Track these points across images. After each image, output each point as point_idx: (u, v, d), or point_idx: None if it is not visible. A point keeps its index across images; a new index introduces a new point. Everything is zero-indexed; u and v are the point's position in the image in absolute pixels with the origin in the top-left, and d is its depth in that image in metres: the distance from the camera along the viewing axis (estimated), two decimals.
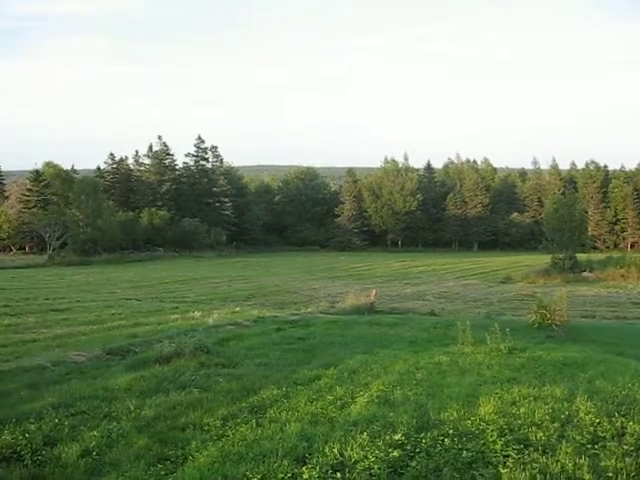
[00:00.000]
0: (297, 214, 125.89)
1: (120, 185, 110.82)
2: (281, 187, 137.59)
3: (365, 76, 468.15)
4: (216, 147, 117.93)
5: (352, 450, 6.76)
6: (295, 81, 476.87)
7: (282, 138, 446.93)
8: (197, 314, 25.67)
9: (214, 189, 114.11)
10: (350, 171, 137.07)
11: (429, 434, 7.24)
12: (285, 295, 44.32)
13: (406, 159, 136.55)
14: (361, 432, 7.35)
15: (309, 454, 6.85)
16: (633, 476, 5.87)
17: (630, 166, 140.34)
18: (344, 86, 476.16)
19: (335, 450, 6.79)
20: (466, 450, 6.71)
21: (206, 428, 8.38)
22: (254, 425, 8.24)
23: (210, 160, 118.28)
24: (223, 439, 7.79)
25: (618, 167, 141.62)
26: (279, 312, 28.21)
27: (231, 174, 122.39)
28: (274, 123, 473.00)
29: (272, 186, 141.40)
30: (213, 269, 70.32)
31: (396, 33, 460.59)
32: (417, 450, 6.79)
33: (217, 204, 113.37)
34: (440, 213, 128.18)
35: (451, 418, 7.92)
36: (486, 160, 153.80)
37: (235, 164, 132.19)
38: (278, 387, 10.55)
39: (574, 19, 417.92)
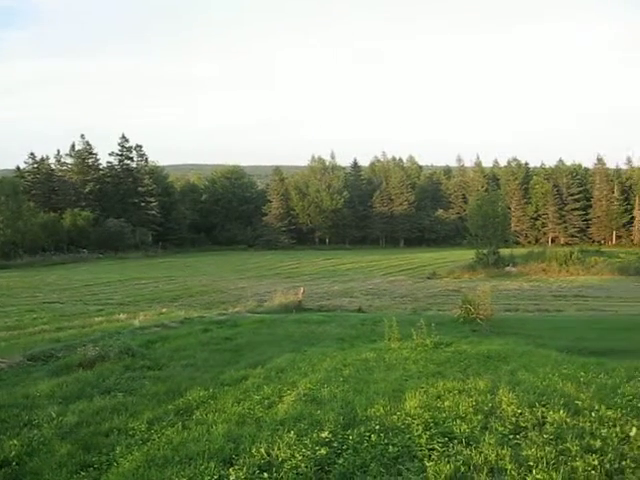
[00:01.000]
0: (224, 213, 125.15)
1: (41, 185, 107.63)
2: (207, 186, 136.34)
3: (291, 75, 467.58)
4: (141, 146, 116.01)
5: (279, 449, 6.73)
6: (221, 77, 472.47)
7: (208, 136, 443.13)
8: (122, 316, 25.29)
9: (139, 189, 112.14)
10: (277, 169, 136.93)
11: (356, 430, 7.27)
12: (213, 295, 44.04)
13: (333, 157, 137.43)
14: (288, 431, 7.32)
15: (236, 455, 6.79)
16: (553, 464, 6.01)
17: (550, 163, 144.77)
18: (270, 84, 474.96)
19: (262, 450, 6.75)
20: (392, 445, 6.76)
21: (131, 432, 8.18)
22: (180, 428, 8.10)
23: (135, 159, 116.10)
24: (148, 443, 7.63)
25: (538, 164, 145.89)
26: (206, 312, 27.99)
27: (156, 173, 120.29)
28: (200, 121, 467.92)
29: (198, 185, 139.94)
30: (139, 270, 69.18)
31: (324, 31, 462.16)
32: (344, 447, 6.80)
33: (142, 204, 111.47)
34: (367, 210, 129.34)
35: (378, 414, 7.97)
36: (411, 158, 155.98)
37: (160, 163, 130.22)
38: (205, 388, 10.42)
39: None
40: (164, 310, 28.90)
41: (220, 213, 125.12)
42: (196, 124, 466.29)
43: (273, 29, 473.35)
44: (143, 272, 65.86)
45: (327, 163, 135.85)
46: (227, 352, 15.62)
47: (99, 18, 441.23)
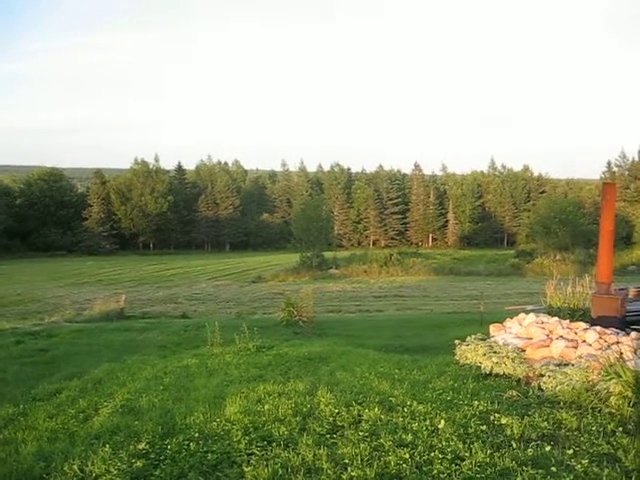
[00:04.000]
0: (41, 218, 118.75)
1: None
2: (23, 189, 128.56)
3: (109, 73, 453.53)
4: None
5: (93, 465, 6.45)
6: (32, 76, 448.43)
7: (23, 137, 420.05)
8: None
9: None
10: (98, 172, 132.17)
11: (175, 440, 7.13)
12: (28, 305, 41.96)
13: (157, 160, 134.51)
14: (104, 445, 7.05)
15: (47, 474, 6.44)
16: (367, 460, 6.20)
17: (370, 169, 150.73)
18: (90, 84, 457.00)
19: (75, 467, 6.45)
20: (211, 452, 6.69)
21: None
22: None
23: None
24: None
25: (360, 169, 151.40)
26: (20, 323, 26.55)
27: None
28: (13, 120, 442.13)
29: (12, 188, 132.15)
30: None
31: (153, 30, 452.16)
32: (162, 457, 6.65)
33: None
34: (192, 214, 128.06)
35: (197, 421, 7.87)
36: (237, 162, 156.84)
37: None
38: (15, 404, 9.80)
39: None
40: None
41: (37, 218, 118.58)
42: (8, 123, 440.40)
43: (96, 25, 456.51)
44: None
45: (151, 166, 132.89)
46: (41, 365, 14.87)
47: None
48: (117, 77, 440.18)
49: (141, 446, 6.95)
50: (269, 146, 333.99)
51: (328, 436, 7.05)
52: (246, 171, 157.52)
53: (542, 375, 9.12)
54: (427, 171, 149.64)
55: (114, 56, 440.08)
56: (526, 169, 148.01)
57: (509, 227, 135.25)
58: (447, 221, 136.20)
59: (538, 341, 10.48)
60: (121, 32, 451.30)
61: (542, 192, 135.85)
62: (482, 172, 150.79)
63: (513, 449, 6.36)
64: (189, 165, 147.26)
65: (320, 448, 6.58)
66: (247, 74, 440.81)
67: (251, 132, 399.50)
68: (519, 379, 9.47)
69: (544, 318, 11.43)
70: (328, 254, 77.68)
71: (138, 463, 6.46)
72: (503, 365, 9.84)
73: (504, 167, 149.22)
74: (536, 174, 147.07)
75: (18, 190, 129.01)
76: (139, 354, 15.48)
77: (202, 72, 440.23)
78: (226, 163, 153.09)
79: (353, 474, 5.88)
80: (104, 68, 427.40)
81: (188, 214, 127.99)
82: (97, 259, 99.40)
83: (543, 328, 10.87)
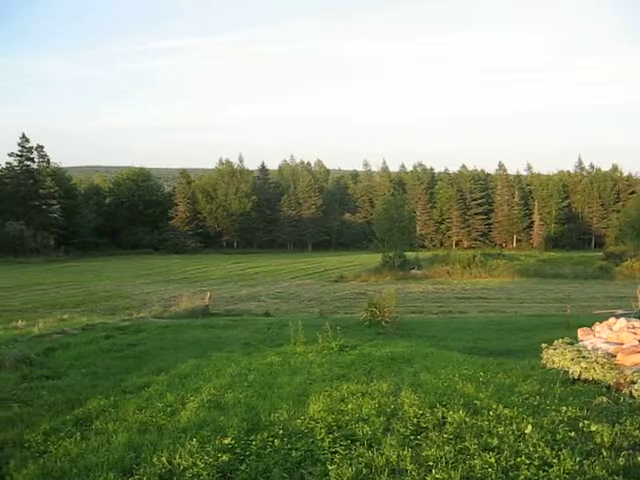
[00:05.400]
0: (129, 216, 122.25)
1: None
2: (112, 189, 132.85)
3: (195, 76, 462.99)
4: (42, 147, 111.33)
5: (181, 457, 6.61)
6: (121, 78, 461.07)
7: (113, 138, 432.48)
8: (21, 323, 24.25)
9: (40, 191, 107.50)
10: (184, 172, 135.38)
11: (259, 436, 7.21)
12: (117, 300, 43.11)
13: (241, 160, 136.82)
14: (191, 438, 7.20)
15: (136, 464, 6.63)
16: (452, 463, 6.13)
17: (453, 169, 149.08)
18: (174, 86, 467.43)
19: (163, 459, 6.62)
20: (295, 449, 6.74)
21: (26, 445, 7.79)
22: (79, 438, 7.82)
23: (36, 160, 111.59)
24: (45, 455, 7.31)
25: (443, 169, 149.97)
26: (110, 318, 27.27)
27: (59, 175, 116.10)
28: (105, 122, 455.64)
29: (103, 187, 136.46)
30: (40, 275, 66.59)
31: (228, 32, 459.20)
32: (247, 453, 6.74)
33: (44, 206, 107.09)
34: (275, 214, 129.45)
35: (281, 418, 7.94)
36: (319, 162, 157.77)
37: (63, 165, 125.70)
38: (106, 397, 10.11)
39: None
40: (65, 316, 27.96)
41: (125, 216, 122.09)
42: (100, 125, 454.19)
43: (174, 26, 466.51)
44: (44, 277, 63.65)
45: (235, 166, 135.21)
46: (130, 359, 15.26)
47: None
48: (203, 79, 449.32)
49: (227, 441, 7.06)
50: (352, 146, 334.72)
51: (412, 437, 7.00)
52: (328, 171, 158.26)
53: (634, 382, 8.81)
54: (512, 171, 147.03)
55: (198, 59, 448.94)
56: (615, 168, 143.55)
57: (597, 228, 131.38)
58: (532, 222, 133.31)
59: (630, 347, 10.13)
60: (200, 36, 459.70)
61: (632, 192, 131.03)
62: (568, 172, 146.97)
63: (603, 457, 6.16)
64: (272, 165, 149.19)
65: (404, 449, 6.55)
66: (327, 76, 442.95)
67: (335, 132, 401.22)
68: (609, 385, 9.18)
69: (636, 323, 11.05)
70: (410, 254, 77.11)
71: (224, 457, 6.57)
72: (592, 370, 9.56)
73: (592, 167, 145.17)
74: (625, 174, 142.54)
75: (108, 190, 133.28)
76: (224, 351, 15.71)
77: (282, 74, 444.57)
78: (309, 163, 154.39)
79: (438, 476, 5.83)
80: (188, 71, 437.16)
81: (271, 213, 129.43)
82: (182, 257, 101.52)
83: (635, 333, 10.51)
